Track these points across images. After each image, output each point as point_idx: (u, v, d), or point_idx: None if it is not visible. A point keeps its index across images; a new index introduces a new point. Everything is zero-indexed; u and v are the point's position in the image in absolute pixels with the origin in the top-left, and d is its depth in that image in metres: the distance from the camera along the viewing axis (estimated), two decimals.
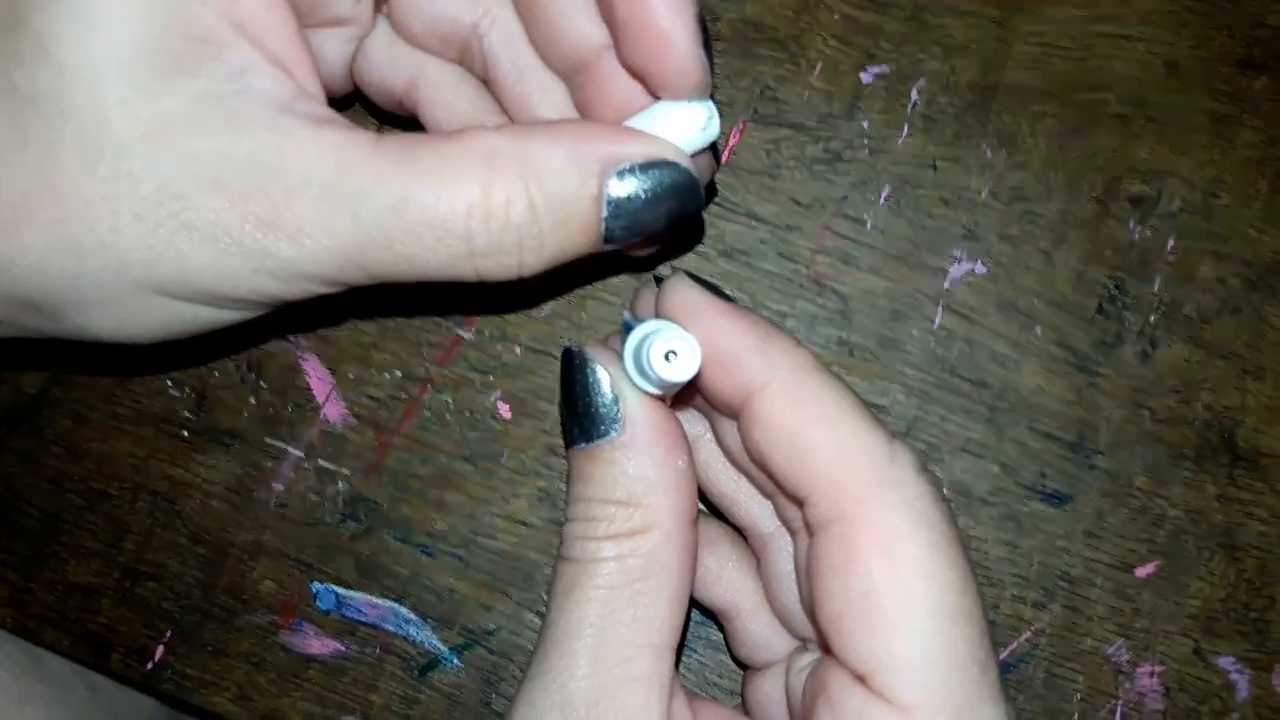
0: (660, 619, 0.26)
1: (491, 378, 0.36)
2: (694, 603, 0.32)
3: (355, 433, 0.36)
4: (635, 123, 0.28)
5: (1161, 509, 0.35)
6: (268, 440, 0.36)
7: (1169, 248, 0.35)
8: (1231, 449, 0.35)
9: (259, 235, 0.24)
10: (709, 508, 0.33)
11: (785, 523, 0.29)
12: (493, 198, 0.25)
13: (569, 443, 0.28)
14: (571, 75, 0.30)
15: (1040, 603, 0.34)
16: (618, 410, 0.26)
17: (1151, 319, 0.35)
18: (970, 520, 0.35)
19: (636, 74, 0.27)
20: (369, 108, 0.34)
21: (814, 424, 0.25)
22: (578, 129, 0.26)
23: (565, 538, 0.27)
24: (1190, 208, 0.35)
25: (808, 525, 0.26)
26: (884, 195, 0.36)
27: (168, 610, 0.36)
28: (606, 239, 0.26)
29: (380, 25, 0.31)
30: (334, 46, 0.30)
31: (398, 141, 0.25)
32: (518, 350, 0.36)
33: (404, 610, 0.36)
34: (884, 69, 0.36)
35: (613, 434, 0.26)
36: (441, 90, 0.31)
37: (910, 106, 0.36)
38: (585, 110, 0.30)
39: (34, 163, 0.24)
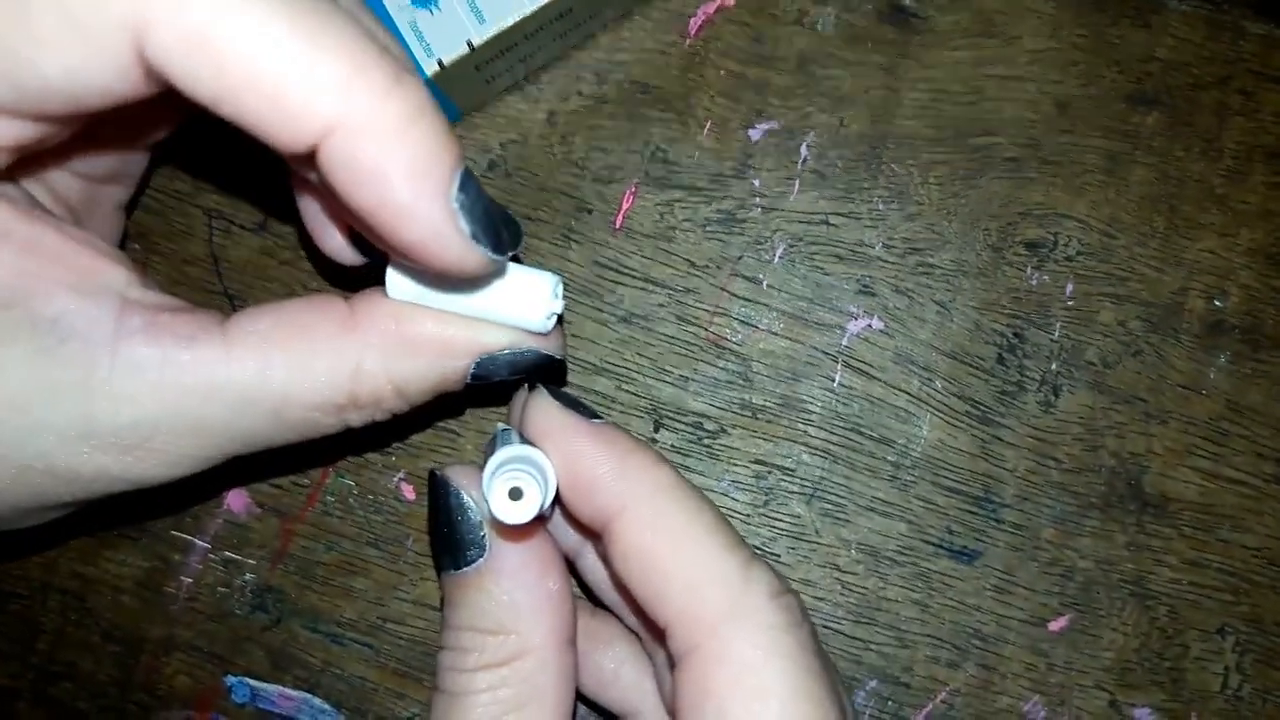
0: None
1: (393, 458, 0.35)
2: (595, 705, 0.31)
3: (259, 521, 0.35)
4: (488, 298, 0.27)
5: (1071, 561, 0.34)
6: (174, 533, 0.36)
7: (1067, 293, 0.35)
8: (1139, 496, 0.34)
9: (138, 471, 0.25)
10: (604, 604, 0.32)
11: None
12: (361, 398, 0.26)
13: (438, 569, 0.27)
14: None
15: (954, 662, 0.34)
16: (484, 535, 0.26)
17: (1053, 367, 0.35)
18: (880, 581, 0.34)
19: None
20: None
21: (668, 551, 0.25)
22: (441, 331, 0.26)
23: (438, 668, 0.26)
24: (1087, 250, 0.35)
25: (669, 655, 0.25)
26: (778, 254, 0.35)
27: (83, 710, 0.36)
28: (471, 386, 0.27)
29: None
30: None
31: (249, 345, 0.25)
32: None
33: (317, 701, 0.35)
34: (772, 124, 0.35)
35: (479, 560, 0.26)
36: None
37: (800, 162, 0.35)
38: None
39: None
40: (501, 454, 0.25)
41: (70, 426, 0.24)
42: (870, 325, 0.35)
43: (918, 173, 0.35)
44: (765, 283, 0.35)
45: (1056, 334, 0.35)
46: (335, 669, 0.35)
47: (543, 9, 0.32)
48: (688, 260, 0.35)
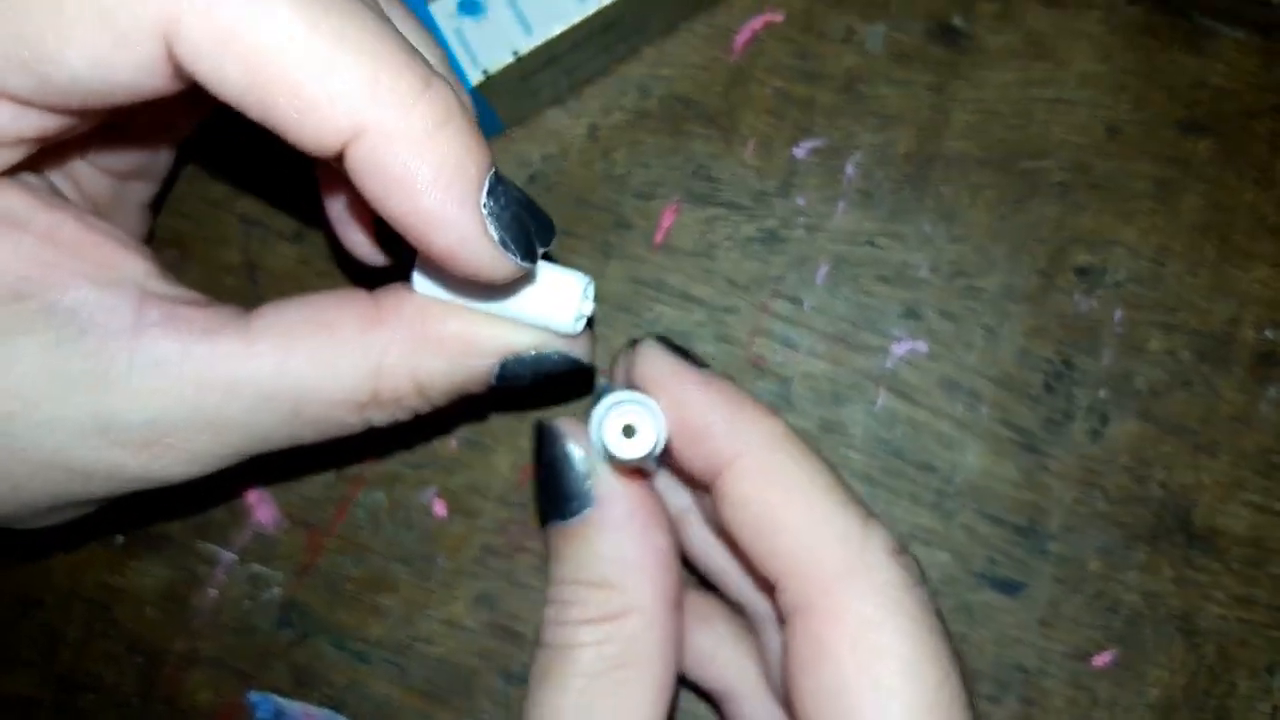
0: (643, 711, 0.24)
1: (427, 472, 0.35)
2: (688, 683, 0.31)
3: (287, 534, 0.35)
4: (516, 296, 0.26)
5: (1117, 594, 0.33)
6: (200, 544, 0.35)
7: (1116, 320, 0.34)
8: (1187, 529, 0.33)
9: (156, 468, 0.24)
10: (704, 582, 0.31)
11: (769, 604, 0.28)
12: (383, 396, 0.25)
13: (543, 520, 0.26)
14: None
15: (995, 696, 0.33)
16: (589, 486, 0.25)
17: (1101, 394, 0.34)
18: None
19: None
20: None
21: (782, 503, 0.24)
22: (467, 329, 0.26)
23: (543, 621, 0.26)
24: (1136, 278, 0.34)
25: (779, 612, 0.24)
26: (821, 274, 0.35)
27: None
28: (495, 388, 0.27)
29: None
30: None
31: (271, 339, 0.24)
32: (454, 444, 0.35)
33: None
34: (818, 143, 0.35)
35: (585, 511, 0.25)
36: None
37: (846, 181, 0.35)
38: None
39: None
40: (613, 396, 0.25)
41: (87, 421, 0.23)
42: (915, 349, 0.34)
43: (965, 195, 0.35)
44: (807, 304, 0.35)
45: (1105, 361, 0.34)
46: (361, 688, 0.34)
47: (589, 19, 0.32)
48: (728, 279, 0.35)
